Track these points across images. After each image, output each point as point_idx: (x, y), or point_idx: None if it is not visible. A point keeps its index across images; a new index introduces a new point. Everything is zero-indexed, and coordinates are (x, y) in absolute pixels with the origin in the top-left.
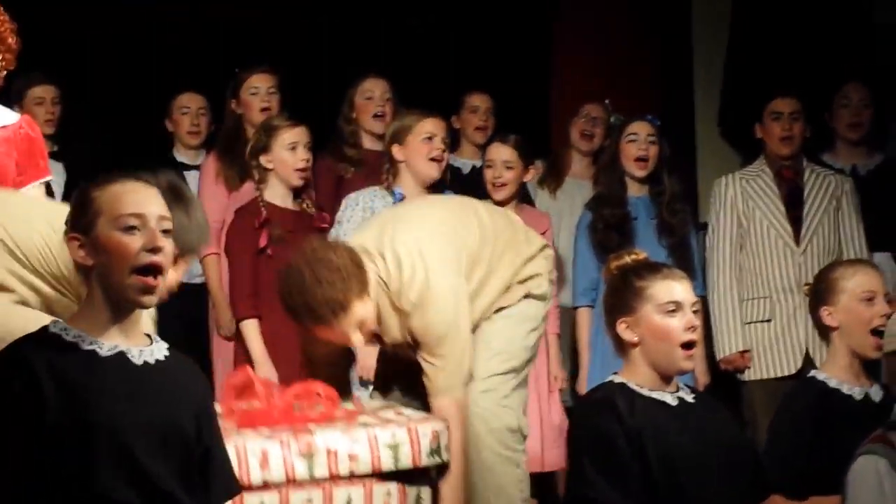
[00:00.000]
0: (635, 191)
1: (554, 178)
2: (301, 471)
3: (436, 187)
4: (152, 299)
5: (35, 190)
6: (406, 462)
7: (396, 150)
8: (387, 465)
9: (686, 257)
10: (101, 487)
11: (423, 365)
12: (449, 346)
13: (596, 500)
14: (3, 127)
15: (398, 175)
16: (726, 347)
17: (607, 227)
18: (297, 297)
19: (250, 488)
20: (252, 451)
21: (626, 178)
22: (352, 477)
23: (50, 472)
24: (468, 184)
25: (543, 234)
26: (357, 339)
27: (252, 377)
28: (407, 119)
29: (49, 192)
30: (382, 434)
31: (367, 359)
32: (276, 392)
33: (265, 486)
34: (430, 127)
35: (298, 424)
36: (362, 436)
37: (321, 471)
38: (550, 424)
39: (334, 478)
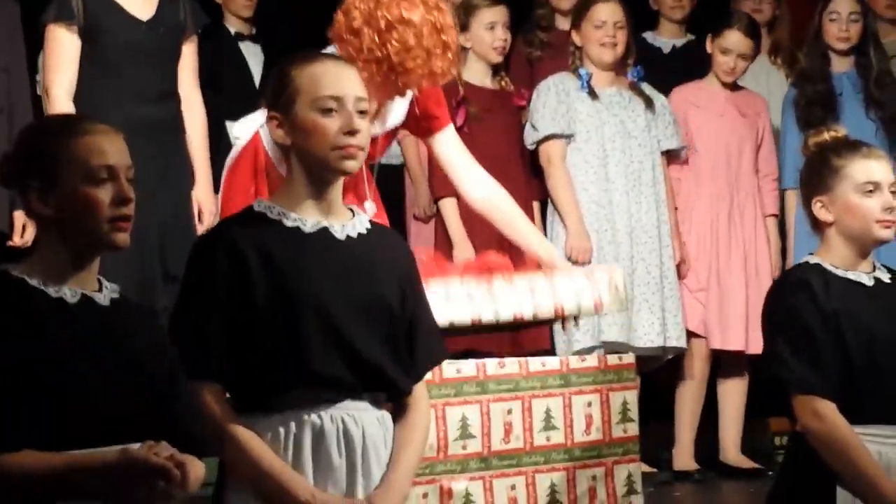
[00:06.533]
0: (840, 66)
1: None
2: (487, 315)
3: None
4: (355, 164)
5: None
6: (588, 307)
7: (574, 35)
8: (570, 309)
9: None
10: (310, 363)
11: None
12: None
13: (789, 381)
14: (393, 130)
15: (584, 57)
16: None
17: (810, 103)
18: None
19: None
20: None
21: (830, 53)
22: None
23: (260, 348)
24: (669, 63)
25: (759, 115)
26: None
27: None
28: (581, 5)
29: (247, 74)
30: (561, 280)
31: (578, 240)
32: (448, 265)
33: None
34: (601, 14)
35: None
36: (542, 282)
37: (506, 313)
38: (752, 306)
39: (521, 324)
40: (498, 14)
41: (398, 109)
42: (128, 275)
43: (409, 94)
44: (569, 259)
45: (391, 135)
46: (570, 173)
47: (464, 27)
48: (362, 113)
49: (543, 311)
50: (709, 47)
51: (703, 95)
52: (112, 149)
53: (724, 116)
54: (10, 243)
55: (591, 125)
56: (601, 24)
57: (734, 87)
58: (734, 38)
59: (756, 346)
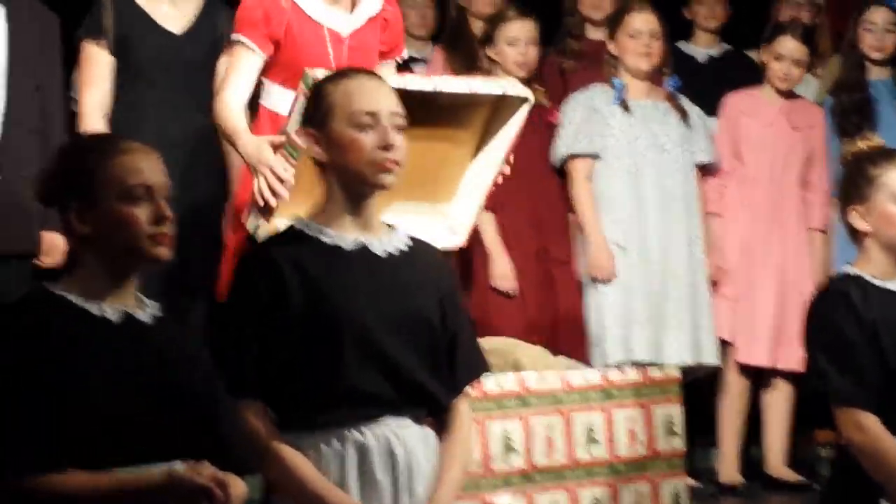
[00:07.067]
0: (877, 74)
1: None
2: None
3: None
4: (391, 178)
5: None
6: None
7: (610, 45)
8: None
9: None
10: (351, 380)
11: None
12: None
13: (831, 394)
14: (371, 18)
15: (620, 67)
16: None
17: (846, 112)
18: None
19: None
20: None
21: (866, 62)
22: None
23: (301, 367)
24: (703, 73)
25: (813, 128)
26: None
27: None
28: (616, 15)
29: None
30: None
31: (598, 258)
32: None
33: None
34: (636, 24)
35: None
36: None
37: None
38: (786, 321)
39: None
40: (520, 29)
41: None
42: (149, 290)
43: (381, 2)
44: (592, 278)
45: (373, 24)
46: (592, 191)
47: (490, 40)
48: (398, 128)
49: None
50: (763, 56)
51: (756, 104)
52: (149, 167)
53: (774, 127)
54: (36, 262)
55: (624, 140)
56: (636, 33)
57: (790, 96)
58: (789, 45)
59: (786, 362)
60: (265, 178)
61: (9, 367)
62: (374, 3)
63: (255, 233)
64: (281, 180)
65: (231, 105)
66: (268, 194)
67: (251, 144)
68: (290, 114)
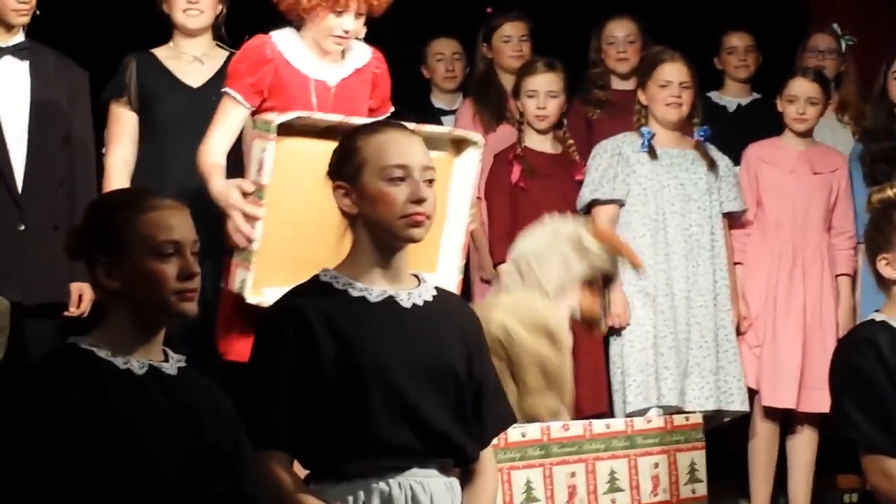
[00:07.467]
0: None
1: None
2: None
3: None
4: (422, 232)
5: None
6: None
7: (640, 95)
8: None
9: None
10: (377, 432)
11: None
12: None
13: (858, 440)
14: (359, 70)
15: (650, 117)
16: None
17: (875, 160)
18: None
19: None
20: None
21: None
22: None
23: (327, 418)
24: (734, 122)
25: (834, 172)
26: None
27: None
28: (646, 64)
29: None
30: None
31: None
32: None
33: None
34: (667, 73)
35: None
36: None
37: None
38: (809, 365)
39: None
40: (540, 82)
41: (359, 54)
42: (171, 342)
43: (370, 56)
44: (609, 325)
45: (361, 76)
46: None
47: (516, 93)
48: (429, 181)
49: None
50: (779, 105)
51: (777, 152)
52: (178, 223)
53: (795, 173)
54: (67, 313)
55: (650, 187)
56: (666, 83)
57: (811, 143)
58: (799, 85)
59: (809, 405)
60: (234, 220)
61: (54, 427)
62: (362, 55)
63: (242, 288)
64: (252, 218)
65: (209, 150)
66: (236, 236)
67: (221, 187)
68: (251, 159)
